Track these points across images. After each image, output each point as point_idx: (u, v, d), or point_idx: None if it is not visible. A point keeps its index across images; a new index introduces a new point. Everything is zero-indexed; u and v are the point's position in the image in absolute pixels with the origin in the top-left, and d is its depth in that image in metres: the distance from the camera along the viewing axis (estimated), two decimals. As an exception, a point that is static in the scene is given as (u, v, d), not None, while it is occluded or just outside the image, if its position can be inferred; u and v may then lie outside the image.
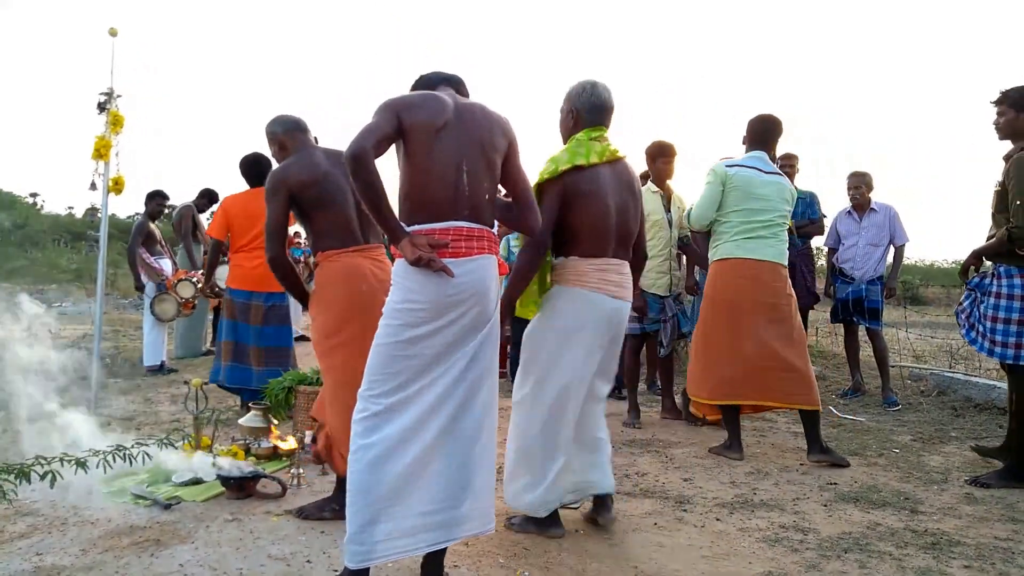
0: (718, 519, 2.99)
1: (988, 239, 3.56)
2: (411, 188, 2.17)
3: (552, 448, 2.72)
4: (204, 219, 7.58)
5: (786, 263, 3.94)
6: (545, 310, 2.80)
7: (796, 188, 3.94)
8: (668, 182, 4.88)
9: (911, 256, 21.98)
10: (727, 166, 3.95)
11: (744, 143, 4.13)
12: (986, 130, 3.76)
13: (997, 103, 3.56)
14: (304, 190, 2.87)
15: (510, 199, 2.50)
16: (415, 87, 2.46)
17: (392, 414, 2.16)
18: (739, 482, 3.50)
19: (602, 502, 2.88)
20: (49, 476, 2.80)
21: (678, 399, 5.06)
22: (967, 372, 6.16)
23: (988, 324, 3.52)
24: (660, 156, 4.83)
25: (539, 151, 2.78)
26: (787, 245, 3.98)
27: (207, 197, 7.50)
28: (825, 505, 3.18)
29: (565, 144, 2.88)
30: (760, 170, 3.92)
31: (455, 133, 2.20)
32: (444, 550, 2.29)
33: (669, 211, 4.80)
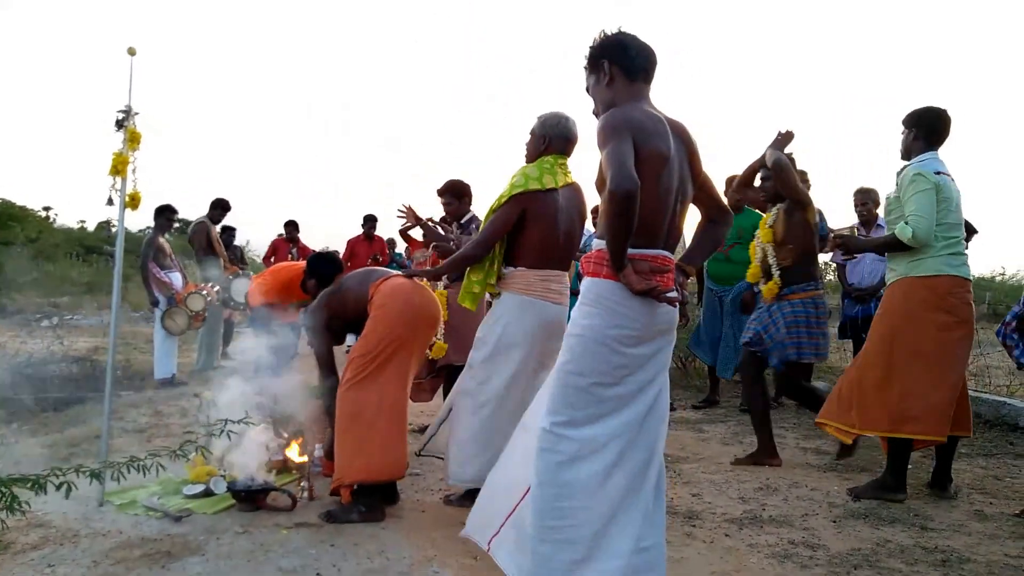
0: (727, 535, 2.99)
1: None
2: None
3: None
4: (218, 229, 7.68)
5: None
6: (495, 313, 3.13)
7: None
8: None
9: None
10: (935, 172, 3.39)
11: (916, 139, 3.51)
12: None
13: None
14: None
15: (707, 216, 2.39)
16: (613, 49, 2.22)
17: (587, 448, 2.07)
18: (748, 498, 3.50)
19: None
20: (65, 487, 2.82)
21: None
22: (976, 388, 6.12)
23: None
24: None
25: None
26: None
27: (220, 207, 7.60)
28: (835, 521, 3.18)
29: (531, 162, 3.19)
30: (951, 176, 3.46)
31: (676, 159, 2.13)
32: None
33: None
